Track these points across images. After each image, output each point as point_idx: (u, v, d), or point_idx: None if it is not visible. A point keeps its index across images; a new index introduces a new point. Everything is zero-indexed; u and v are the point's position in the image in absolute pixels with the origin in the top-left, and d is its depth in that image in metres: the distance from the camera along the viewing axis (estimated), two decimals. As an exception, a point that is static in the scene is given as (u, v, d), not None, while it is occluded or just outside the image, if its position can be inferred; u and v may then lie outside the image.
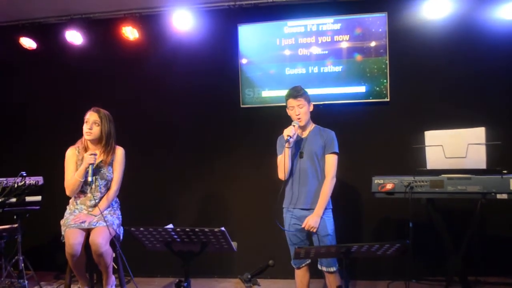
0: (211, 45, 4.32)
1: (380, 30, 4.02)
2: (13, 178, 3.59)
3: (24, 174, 3.61)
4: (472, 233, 3.05)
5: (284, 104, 2.95)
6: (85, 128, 2.99)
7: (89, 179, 2.88)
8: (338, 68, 4.13)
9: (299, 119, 2.85)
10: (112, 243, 2.92)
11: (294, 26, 4.21)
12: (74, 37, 4.38)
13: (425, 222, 3.24)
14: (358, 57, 4.09)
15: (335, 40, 4.13)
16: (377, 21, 4.03)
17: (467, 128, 2.97)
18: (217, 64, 4.34)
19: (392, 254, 2.22)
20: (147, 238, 2.31)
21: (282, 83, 4.19)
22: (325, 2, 4.15)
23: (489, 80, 3.89)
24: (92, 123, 2.98)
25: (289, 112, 2.92)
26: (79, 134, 3.04)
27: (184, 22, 4.20)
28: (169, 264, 4.03)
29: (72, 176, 2.96)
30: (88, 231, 2.88)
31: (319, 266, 2.87)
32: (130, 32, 4.30)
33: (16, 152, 4.67)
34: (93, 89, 4.52)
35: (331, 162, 2.86)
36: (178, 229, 2.18)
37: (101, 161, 3.03)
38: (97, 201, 2.99)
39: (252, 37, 4.29)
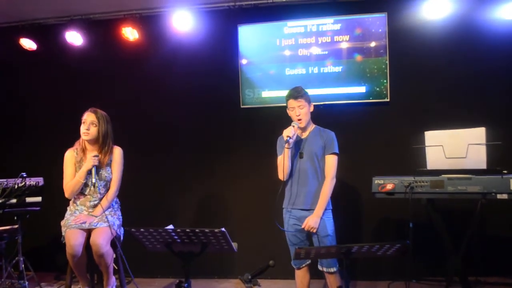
0: (211, 45, 4.32)
1: (380, 30, 4.02)
2: (14, 179, 3.59)
3: (25, 175, 3.61)
4: (472, 233, 3.04)
5: (284, 104, 2.95)
6: (83, 128, 2.99)
7: (93, 180, 2.91)
8: (338, 69, 4.14)
9: (299, 119, 2.85)
10: (113, 244, 2.92)
11: (294, 26, 4.21)
12: (74, 38, 4.38)
13: (425, 222, 3.24)
14: (358, 57, 4.09)
15: (335, 40, 4.13)
16: (377, 21, 4.03)
17: (467, 128, 2.96)
18: (217, 64, 4.34)
19: (393, 255, 2.22)
20: (147, 239, 2.31)
21: (282, 84, 4.19)
22: (325, 2, 4.16)
23: (489, 80, 3.89)
24: (90, 123, 2.99)
25: (290, 112, 2.91)
26: (79, 135, 3.04)
27: (184, 23, 4.20)
28: (170, 265, 4.02)
29: (71, 178, 2.97)
30: (88, 232, 2.88)
31: (319, 267, 2.87)
32: (130, 33, 4.30)
33: (16, 152, 4.67)
34: (93, 89, 4.52)
35: (331, 162, 2.86)
36: (178, 230, 2.19)
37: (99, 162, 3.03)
38: (96, 202, 2.99)
39: (252, 38, 4.29)
